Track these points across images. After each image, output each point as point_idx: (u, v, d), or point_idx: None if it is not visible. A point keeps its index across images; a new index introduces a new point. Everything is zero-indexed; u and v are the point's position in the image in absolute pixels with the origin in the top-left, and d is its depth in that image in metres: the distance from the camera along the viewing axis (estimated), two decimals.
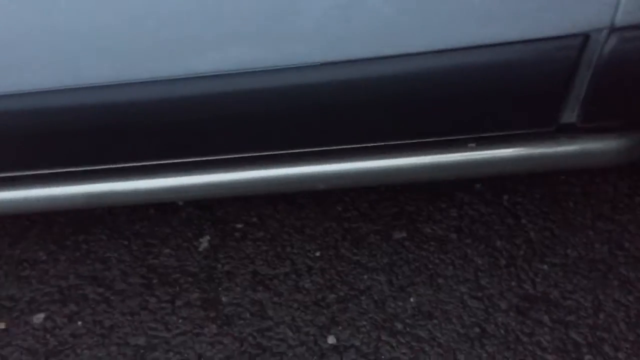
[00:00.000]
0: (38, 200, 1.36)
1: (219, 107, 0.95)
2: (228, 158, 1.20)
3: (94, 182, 1.32)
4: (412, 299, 1.45)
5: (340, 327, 1.43)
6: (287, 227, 1.61)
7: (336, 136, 1.09)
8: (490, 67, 0.90)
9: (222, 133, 1.05)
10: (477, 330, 1.38)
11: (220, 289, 1.54)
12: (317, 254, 1.55)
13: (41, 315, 1.57)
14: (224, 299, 1.52)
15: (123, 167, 1.27)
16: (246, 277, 1.55)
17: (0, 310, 1.60)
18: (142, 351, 1.47)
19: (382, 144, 1.15)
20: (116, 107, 0.99)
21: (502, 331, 1.37)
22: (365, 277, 1.50)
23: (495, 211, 1.56)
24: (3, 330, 1.57)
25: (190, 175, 1.28)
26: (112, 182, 1.31)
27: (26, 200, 1.37)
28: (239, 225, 1.64)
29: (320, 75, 0.90)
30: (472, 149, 1.17)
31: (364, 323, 1.43)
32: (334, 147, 1.13)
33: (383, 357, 1.37)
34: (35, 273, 1.66)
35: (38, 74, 0.94)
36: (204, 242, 1.63)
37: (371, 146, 1.16)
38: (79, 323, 1.54)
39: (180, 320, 1.50)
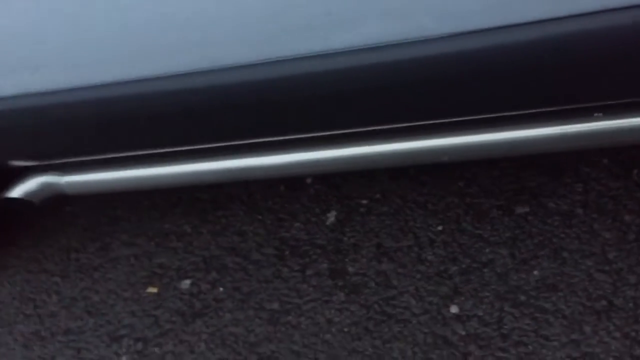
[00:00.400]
0: (184, 175, 1.53)
1: (353, 82, 1.03)
2: (356, 132, 1.29)
3: (233, 158, 1.46)
4: (535, 272, 1.46)
5: (462, 298, 1.48)
6: (410, 203, 1.68)
7: (462, 108, 1.14)
8: (621, 29, 0.90)
9: (354, 107, 1.13)
10: (604, 303, 1.37)
11: (346, 260, 1.64)
12: (439, 228, 1.61)
13: (188, 282, 1.76)
14: (350, 269, 1.62)
15: (257, 142, 1.41)
16: (371, 249, 1.63)
17: (152, 276, 1.81)
18: (276, 315, 1.60)
19: (505, 114, 1.18)
20: (256, 86, 1.10)
21: (631, 304, 1.35)
22: (488, 250, 1.53)
23: (624, 185, 1.53)
24: (156, 294, 1.77)
25: (319, 150, 1.38)
26: (249, 157, 1.45)
27: (173, 175, 1.54)
28: (364, 201, 1.73)
29: (449, 46, 0.95)
30: (598, 119, 1.17)
31: (487, 294, 1.46)
32: (459, 119, 1.18)
33: (506, 326, 1.40)
34: (181, 244, 1.85)
35: (194, 56, 1.08)
36: (331, 217, 1.74)
37: (494, 117, 1.20)
38: (221, 289, 1.70)
39: (310, 288, 1.62)
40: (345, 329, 1.52)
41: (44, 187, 1.57)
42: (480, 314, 1.44)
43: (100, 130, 1.27)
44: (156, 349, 1.65)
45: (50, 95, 1.17)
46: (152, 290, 1.77)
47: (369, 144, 1.30)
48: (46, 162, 1.52)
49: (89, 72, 1.11)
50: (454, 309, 1.47)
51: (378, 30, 0.96)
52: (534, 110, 1.16)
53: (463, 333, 1.42)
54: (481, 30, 0.93)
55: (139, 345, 1.67)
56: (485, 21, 0.92)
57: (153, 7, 0.99)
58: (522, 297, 1.43)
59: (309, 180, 1.83)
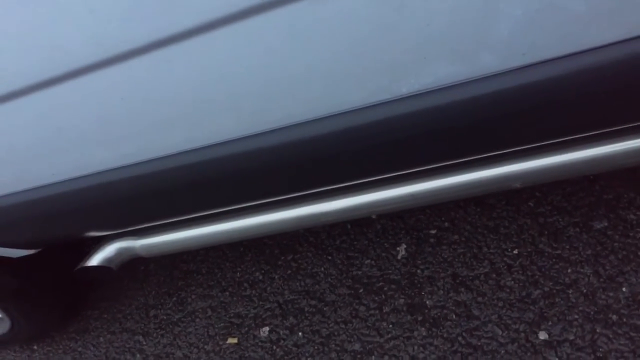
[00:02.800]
0: (253, 227, 1.54)
1: (418, 124, 1.03)
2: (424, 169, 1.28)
3: (301, 206, 1.46)
4: (624, 289, 1.40)
5: (550, 323, 1.43)
6: (481, 228, 1.65)
7: (532, 136, 1.12)
8: None
9: (421, 147, 1.13)
10: None
11: (423, 293, 1.62)
12: (515, 251, 1.57)
13: (266, 329, 1.76)
14: (428, 302, 1.59)
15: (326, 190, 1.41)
16: (447, 280, 1.61)
17: (230, 327, 1.83)
18: (359, 356, 1.59)
19: (579, 136, 1.15)
20: (325, 138, 1.11)
21: None
22: (569, 270, 1.48)
23: None
24: (236, 344, 1.78)
25: (386, 189, 1.37)
26: (316, 204, 1.45)
27: (244, 229, 1.54)
28: (433, 231, 1.71)
29: (514, 80, 0.94)
30: None
31: (575, 317, 1.41)
32: (531, 145, 1.15)
33: (601, 349, 1.35)
34: (255, 292, 1.86)
35: (256, 119, 1.09)
36: (401, 250, 1.72)
37: (568, 139, 1.17)
38: (300, 334, 1.70)
39: (390, 326, 1.60)
40: None
41: (120, 253, 1.62)
42: (572, 338, 1.39)
43: (173, 197, 1.30)
44: None
45: (122, 170, 1.21)
46: (232, 340, 1.79)
47: (440, 178, 1.29)
48: (121, 231, 1.57)
49: (156, 146, 1.15)
50: (542, 335, 1.42)
51: (445, 72, 0.96)
52: (605, 130, 1.12)
53: None
54: (551, 60, 0.92)
55: None
56: (554, 51, 0.91)
57: (215, 81, 1.01)
58: (614, 317, 1.38)
59: (374, 216, 1.82)
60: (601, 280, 1.44)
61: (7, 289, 1.73)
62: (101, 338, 2.01)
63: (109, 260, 1.63)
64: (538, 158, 1.22)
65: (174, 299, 1.98)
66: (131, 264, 2.03)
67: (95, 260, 1.63)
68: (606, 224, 1.50)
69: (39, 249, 1.66)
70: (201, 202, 1.40)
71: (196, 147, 1.16)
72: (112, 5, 0.88)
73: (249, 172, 1.22)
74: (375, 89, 0.98)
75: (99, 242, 1.64)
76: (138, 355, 1.90)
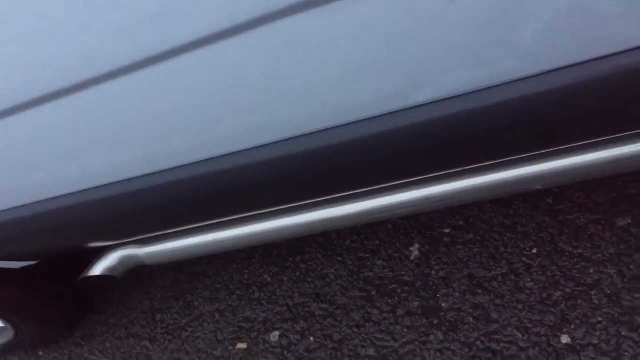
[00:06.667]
0: (263, 233, 1.47)
1: (444, 130, 0.96)
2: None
3: (312, 211, 1.40)
4: None
5: (572, 326, 1.38)
6: (497, 227, 1.59)
7: (552, 140, 1.05)
8: None
9: (446, 152, 1.07)
10: None
11: (438, 295, 1.56)
12: (534, 251, 1.51)
13: (276, 333, 1.71)
14: (444, 305, 1.54)
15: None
16: (463, 282, 1.55)
17: (240, 331, 1.78)
18: None
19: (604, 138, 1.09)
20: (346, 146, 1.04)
21: None
22: (592, 270, 1.42)
23: None
24: (245, 350, 1.73)
25: (400, 193, 1.31)
26: (328, 209, 1.38)
27: (251, 235, 1.48)
28: (447, 230, 1.65)
29: (537, 86, 0.87)
30: None
31: (599, 319, 1.36)
32: (556, 148, 1.09)
33: (627, 353, 1.30)
34: (264, 295, 1.81)
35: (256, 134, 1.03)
36: (414, 251, 1.66)
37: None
38: (311, 338, 1.65)
39: (404, 330, 1.55)
40: None
41: (124, 261, 1.56)
42: (595, 342, 1.33)
43: (179, 208, 1.24)
44: None
45: (124, 183, 1.15)
46: (242, 346, 1.74)
47: (456, 181, 1.23)
48: (124, 241, 1.51)
49: (160, 159, 1.09)
50: (565, 339, 1.37)
51: (467, 78, 0.89)
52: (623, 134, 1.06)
53: None
54: (577, 64, 0.85)
55: None
56: (580, 56, 0.84)
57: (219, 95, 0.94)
58: None
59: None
60: (625, 280, 1.38)
61: (9, 300, 1.68)
62: (107, 344, 1.97)
63: (112, 269, 1.57)
64: (560, 159, 1.15)
65: (181, 302, 1.92)
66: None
67: (98, 269, 1.57)
68: (630, 221, 1.44)
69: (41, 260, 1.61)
70: (207, 212, 1.34)
71: (203, 158, 1.10)
72: (105, 21, 0.81)
73: (260, 183, 1.16)
74: (392, 97, 0.92)
75: (102, 251, 1.59)
76: None
